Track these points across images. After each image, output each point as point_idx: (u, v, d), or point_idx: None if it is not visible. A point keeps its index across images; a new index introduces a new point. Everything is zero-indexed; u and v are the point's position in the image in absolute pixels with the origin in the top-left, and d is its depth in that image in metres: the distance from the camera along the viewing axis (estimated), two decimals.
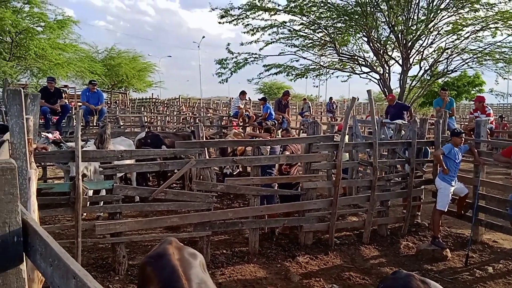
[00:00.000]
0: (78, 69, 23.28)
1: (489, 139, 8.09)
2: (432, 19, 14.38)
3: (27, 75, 21.68)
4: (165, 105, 28.07)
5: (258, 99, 16.60)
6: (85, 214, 6.26)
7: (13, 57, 20.26)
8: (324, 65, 17.06)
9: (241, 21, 15.41)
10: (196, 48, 78.06)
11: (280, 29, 15.75)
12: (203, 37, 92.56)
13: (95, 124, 10.72)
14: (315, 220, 6.42)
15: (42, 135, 7.10)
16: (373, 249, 6.44)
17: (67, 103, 11.46)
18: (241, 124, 12.64)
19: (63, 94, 11.48)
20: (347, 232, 7.03)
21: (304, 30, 16.05)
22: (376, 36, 15.62)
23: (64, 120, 10.23)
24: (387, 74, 15.81)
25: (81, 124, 7.81)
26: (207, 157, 6.10)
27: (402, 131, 8.34)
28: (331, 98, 21.70)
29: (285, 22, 15.64)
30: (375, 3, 14.77)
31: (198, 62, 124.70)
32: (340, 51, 16.33)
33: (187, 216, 5.85)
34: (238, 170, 9.94)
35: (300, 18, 15.56)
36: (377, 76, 16.00)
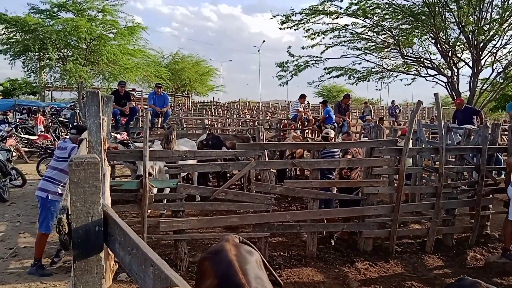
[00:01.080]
0: (145, 73, 24.37)
1: None
2: (507, 18, 13.45)
3: (100, 79, 23.00)
4: (225, 108, 28.61)
5: (320, 102, 16.44)
6: (149, 211, 6.56)
7: (87, 62, 21.63)
8: (387, 68, 16.54)
9: (302, 26, 15.33)
10: (256, 52, 78.77)
11: (342, 32, 15.47)
12: (264, 41, 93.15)
13: (159, 126, 11.22)
14: (375, 226, 6.27)
15: (112, 135, 7.55)
16: (437, 259, 6.16)
17: (135, 105, 12.09)
18: (300, 127, 12.63)
19: (131, 97, 12.10)
20: (409, 240, 6.80)
21: (366, 32, 15.67)
22: (444, 37, 14.87)
23: (132, 122, 10.82)
24: (455, 77, 14.98)
25: None
26: (267, 159, 6.16)
27: (472, 136, 7.92)
28: (393, 102, 21.02)
29: (347, 25, 15.35)
30: (444, 3, 14.09)
31: (258, 66, 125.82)
32: (405, 53, 15.75)
33: (246, 217, 5.97)
34: (294, 172, 9.95)
35: (362, 20, 15.21)
36: (445, 79, 15.20)
